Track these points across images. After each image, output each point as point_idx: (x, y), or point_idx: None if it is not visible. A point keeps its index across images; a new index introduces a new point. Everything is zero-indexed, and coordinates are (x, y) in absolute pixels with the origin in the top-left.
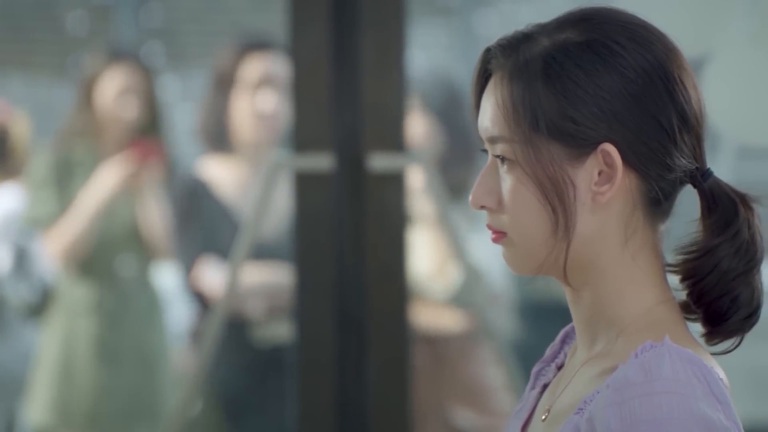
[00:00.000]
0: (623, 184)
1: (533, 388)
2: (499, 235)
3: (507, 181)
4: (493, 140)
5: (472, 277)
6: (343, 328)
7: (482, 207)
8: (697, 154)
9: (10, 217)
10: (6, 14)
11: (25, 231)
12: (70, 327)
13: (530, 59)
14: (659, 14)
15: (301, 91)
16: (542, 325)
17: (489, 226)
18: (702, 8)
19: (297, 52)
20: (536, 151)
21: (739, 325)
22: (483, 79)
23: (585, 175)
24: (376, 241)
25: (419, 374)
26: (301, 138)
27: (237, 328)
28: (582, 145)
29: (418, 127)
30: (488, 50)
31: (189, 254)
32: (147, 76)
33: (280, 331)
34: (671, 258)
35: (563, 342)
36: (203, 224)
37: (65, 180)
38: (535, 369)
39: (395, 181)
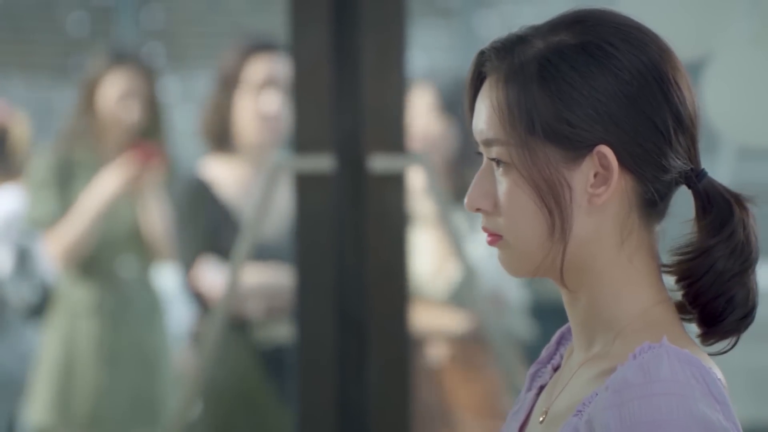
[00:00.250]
0: (619, 185)
1: (529, 389)
2: (495, 238)
3: (503, 183)
4: (488, 143)
5: (471, 277)
6: (344, 329)
7: (478, 210)
8: (692, 154)
9: (10, 218)
10: (6, 15)
11: (26, 232)
12: (70, 328)
13: (525, 62)
14: (660, 15)
15: (301, 92)
16: (557, 326)
17: (485, 229)
18: (702, 9)
19: (297, 53)
20: (532, 153)
21: (735, 325)
22: (477, 81)
23: (581, 177)
24: (377, 242)
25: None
26: (301, 139)
27: (237, 329)
28: (578, 147)
29: (435, 126)
30: (482, 53)
31: (189, 255)
32: (149, 79)
33: (281, 332)
34: (666, 259)
35: (559, 343)
36: (204, 225)
37: (66, 181)
38: (531, 370)
39: (396, 182)
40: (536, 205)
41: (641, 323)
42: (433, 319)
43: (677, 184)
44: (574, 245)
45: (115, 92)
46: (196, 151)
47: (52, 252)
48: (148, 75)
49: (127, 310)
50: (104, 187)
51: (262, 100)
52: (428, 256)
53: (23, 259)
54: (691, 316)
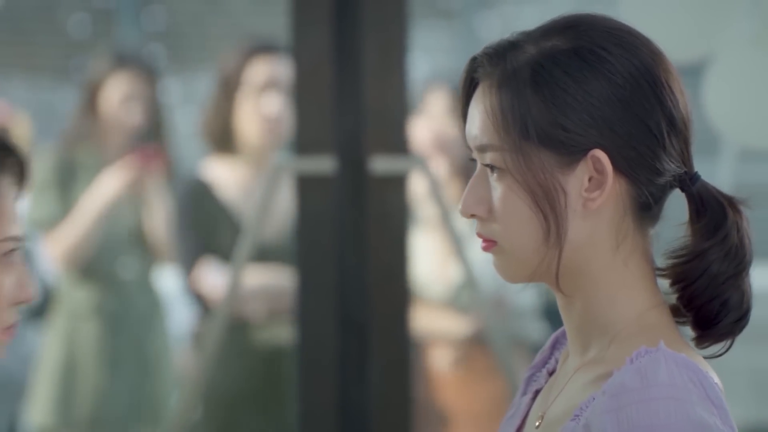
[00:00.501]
0: (613, 189)
1: (524, 393)
2: (490, 244)
3: (497, 189)
4: (482, 149)
5: (473, 281)
6: (345, 330)
7: (472, 216)
8: (685, 157)
9: None
10: (8, 17)
11: (27, 233)
12: (71, 329)
13: (518, 67)
14: (661, 17)
15: (302, 93)
16: None
17: (479, 235)
18: (703, 10)
19: (298, 55)
20: (526, 158)
21: (730, 328)
22: (470, 87)
23: (575, 181)
24: (378, 244)
25: None
26: (302, 140)
27: (238, 331)
28: (572, 152)
29: (448, 129)
30: (474, 59)
31: (190, 256)
32: (150, 81)
33: (282, 333)
34: (661, 262)
35: (553, 347)
36: (205, 226)
37: (67, 183)
38: (525, 375)
39: (397, 184)
40: (531, 210)
41: (637, 327)
42: (435, 322)
43: (671, 187)
44: (569, 250)
45: (117, 95)
46: (197, 152)
47: (53, 253)
48: (149, 77)
49: (128, 312)
50: (105, 188)
51: (263, 102)
52: (431, 258)
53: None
54: (685, 319)
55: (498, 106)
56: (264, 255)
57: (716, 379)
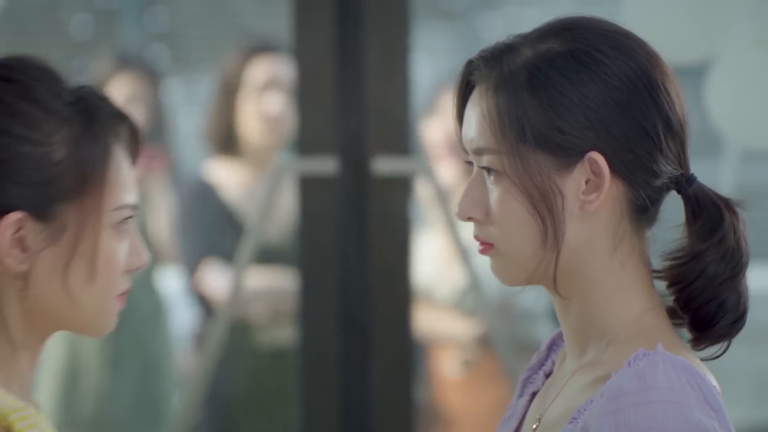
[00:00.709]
0: (610, 191)
1: (521, 395)
2: (487, 247)
3: (494, 192)
4: (479, 152)
5: (477, 284)
6: (347, 331)
7: (469, 219)
8: (682, 159)
9: None
10: (10, 17)
11: None
12: None
13: (514, 70)
14: (664, 18)
15: (305, 94)
16: None
17: (476, 238)
18: (706, 11)
19: (301, 56)
20: (524, 161)
21: (727, 330)
22: (465, 90)
23: (573, 184)
24: (381, 245)
25: None
26: (305, 141)
27: (241, 332)
28: (569, 155)
29: None
30: (470, 62)
31: (193, 257)
32: (153, 82)
33: (284, 335)
34: (657, 264)
35: (550, 349)
36: (208, 227)
37: None
38: (522, 376)
39: (399, 185)
40: (528, 212)
41: (634, 329)
42: (441, 324)
43: (668, 189)
44: (566, 252)
45: (119, 96)
46: (199, 153)
47: None
48: (152, 78)
49: (130, 313)
50: None
51: (265, 102)
52: (437, 260)
53: None
54: (682, 321)
55: (495, 109)
56: (266, 256)
57: (714, 382)
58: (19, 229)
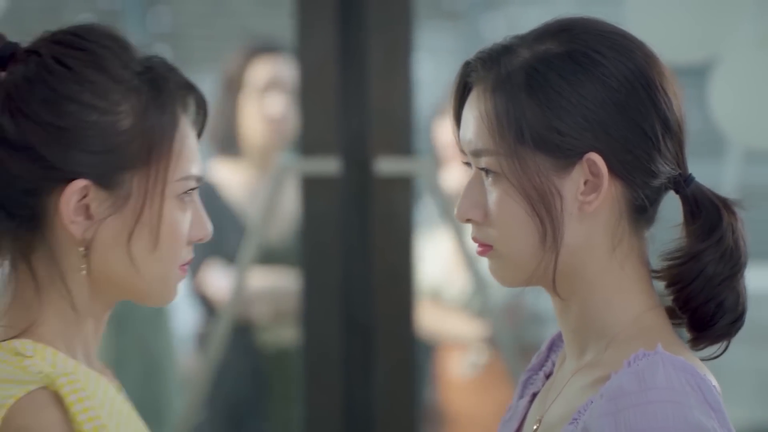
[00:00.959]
0: (609, 192)
1: (521, 396)
2: (486, 248)
3: (493, 193)
4: (477, 153)
5: (483, 287)
6: (350, 332)
7: (468, 220)
8: (680, 159)
9: None
10: (13, 18)
11: None
12: None
13: (512, 71)
14: (667, 19)
15: (307, 94)
16: None
17: (475, 239)
18: (709, 12)
19: (303, 56)
20: (522, 163)
21: (726, 329)
22: (463, 92)
23: (571, 185)
24: (383, 245)
25: None
26: (307, 141)
27: (243, 332)
28: (568, 156)
29: None
30: (467, 63)
31: (195, 257)
32: None
33: (286, 335)
34: (656, 264)
35: (550, 350)
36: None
37: None
38: (522, 378)
39: (402, 185)
40: (527, 213)
41: (634, 330)
42: (450, 325)
43: (666, 189)
44: (565, 253)
45: None
46: (201, 153)
47: None
48: None
49: (132, 313)
50: None
51: (267, 102)
52: (446, 261)
53: None
54: (681, 321)
55: (493, 111)
56: (269, 256)
57: (714, 382)
58: (84, 197)
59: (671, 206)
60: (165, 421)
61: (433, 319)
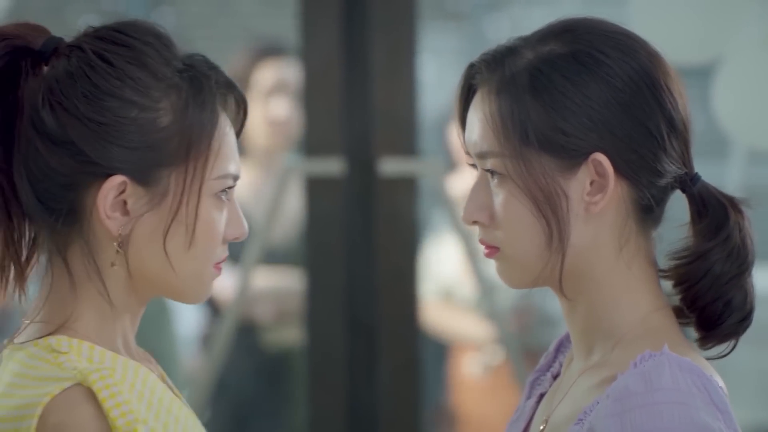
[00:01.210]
0: (615, 192)
1: (529, 397)
2: (493, 250)
3: (499, 195)
4: (482, 155)
5: (487, 288)
6: (354, 332)
7: (475, 222)
8: (686, 158)
9: None
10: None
11: None
12: None
13: (516, 73)
14: (671, 19)
15: (311, 95)
16: None
17: (482, 242)
18: (713, 13)
19: (307, 57)
20: (527, 164)
21: (733, 328)
22: (468, 94)
23: (577, 185)
24: (387, 245)
25: None
26: (311, 142)
27: (247, 333)
28: (573, 156)
29: None
30: (472, 66)
31: None
32: None
33: (291, 336)
34: (663, 263)
35: (557, 351)
36: None
37: None
38: (530, 378)
39: (406, 185)
40: (533, 215)
41: (641, 330)
42: (462, 326)
43: (672, 188)
44: (572, 254)
45: None
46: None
47: None
48: None
49: None
50: None
51: (272, 106)
52: (457, 261)
53: None
54: (688, 320)
55: (497, 113)
56: (273, 257)
57: (721, 383)
58: (121, 193)
59: (678, 205)
60: None
61: (444, 319)
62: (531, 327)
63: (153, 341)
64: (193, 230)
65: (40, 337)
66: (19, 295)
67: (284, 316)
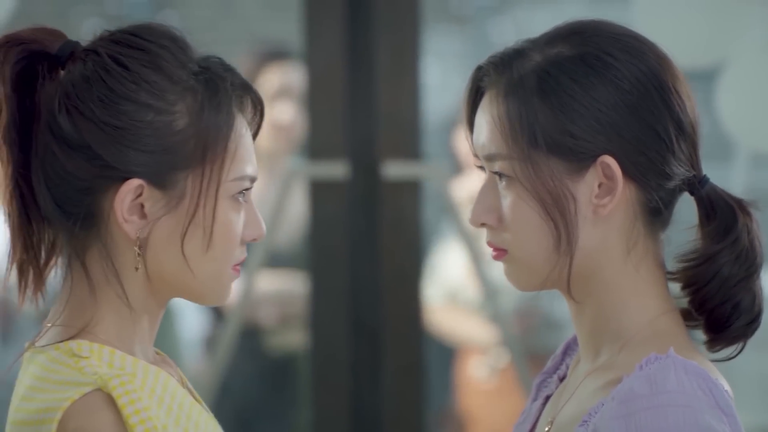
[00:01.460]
0: (623, 195)
1: (535, 399)
2: (501, 253)
3: (507, 197)
4: (490, 158)
5: (491, 291)
6: (357, 335)
7: (482, 225)
8: (694, 161)
9: None
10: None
11: None
12: None
13: (524, 75)
14: (675, 23)
15: (315, 98)
16: None
17: (489, 244)
18: (718, 16)
19: (311, 60)
20: (536, 166)
21: (742, 331)
22: (475, 96)
23: (585, 188)
24: (391, 248)
25: None
26: (315, 145)
27: (251, 336)
28: (581, 159)
29: None
30: (479, 68)
31: None
32: None
33: (294, 339)
34: (672, 266)
35: (565, 353)
36: None
37: None
38: (536, 381)
39: (410, 188)
40: (541, 218)
41: (648, 333)
42: (467, 329)
43: (680, 191)
44: (580, 257)
45: None
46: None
47: None
48: None
49: None
50: None
51: (276, 110)
52: (461, 263)
53: None
54: (696, 323)
55: (505, 115)
56: (277, 260)
57: (726, 387)
58: (138, 196)
59: (686, 208)
60: None
61: (449, 322)
62: (535, 330)
63: (157, 344)
64: (211, 232)
65: (61, 341)
66: (37, 299)
67: (288, 319)
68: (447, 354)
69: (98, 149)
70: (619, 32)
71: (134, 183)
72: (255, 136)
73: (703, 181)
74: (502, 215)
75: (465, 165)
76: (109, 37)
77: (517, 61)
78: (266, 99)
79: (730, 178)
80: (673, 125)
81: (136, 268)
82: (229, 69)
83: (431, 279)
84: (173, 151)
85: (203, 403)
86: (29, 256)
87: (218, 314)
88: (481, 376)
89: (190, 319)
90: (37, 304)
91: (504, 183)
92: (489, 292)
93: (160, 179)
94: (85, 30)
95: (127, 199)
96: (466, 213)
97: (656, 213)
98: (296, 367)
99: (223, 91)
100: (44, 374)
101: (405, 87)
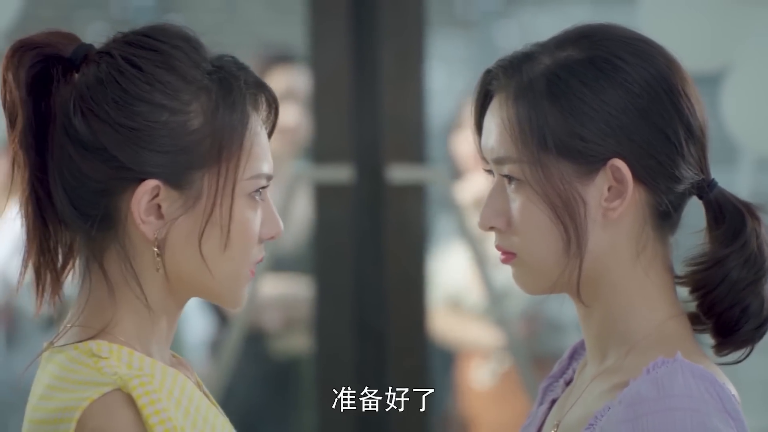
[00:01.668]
0: (633, 198)
1: (541, 403)
2: (509, 256)
3: (516, 201)
4: (500, 161)
5: (495, 295)
6: (363, 339)
7: (491, 228)
8: (703, 165)
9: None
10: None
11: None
12: None
13: (534, 78)
14: (681, 27)
15: (320, 102)
16: None
17: (498, 247)
18: (723, 20)
19: (316, 64)
20: (545, 170)
21: (750, 335)
22: (484, 100)
23: (595, 191)
24: (396, 252)
25: None
26: (320, 149)
27: (255, 340)
28: (591, 162)
29: None
30: (488, 71)
31: None
32: None
33: (298, 343)
34: (680, 269)
35: (571, 357)
36: None
37: None
38: (543, 385)
39: (414, 192)
40: (551, 221)
41: (655, 337)
42: (470, 332)
43: (689, 194)
44: (589, 260)
45: None
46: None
47: None
48: None
49: None
50: None
51: (281, 114)
52: (465, 267)
53: None
54: (705, 327)
55: (515, 118)
56: (282, 264)
57: (733, 391)
58: (155, 197)
59: (695, 212)
60: None
61: (452, 326)
62: (539, 334)
63: None
64: (228, 231)
65: (80, 341)
66: (54, 303)
67: (292, 323)
68: (448, 358)
69: (114, 151)
70: (628, 36)
71: (151, 184)
72: (270, 134)
73: (711, 184)
74: (511, 218)
75: (464, 168)
76: (122, 39)
77: (526, 65)
78: None
79: (734, 181)
80: (682, 128)
81: (157, 269)
82: (242, 68)
83: (433, 283)
84: (189, 151)
85: (219, 407)
86: (46, 259)
87: (223, 318)
88: (483, 379)
89: (195, 323)
90: (55, 308)
91: (513, 186)
92: (494, 295)
93: (176, 179)
94: (89, 34)
95: (144, 200)
96: (470, 216)
97: (665, 216)
98: (301, 370)
99: (237, 89)
100: (63, 374)
101: (410, 91)
